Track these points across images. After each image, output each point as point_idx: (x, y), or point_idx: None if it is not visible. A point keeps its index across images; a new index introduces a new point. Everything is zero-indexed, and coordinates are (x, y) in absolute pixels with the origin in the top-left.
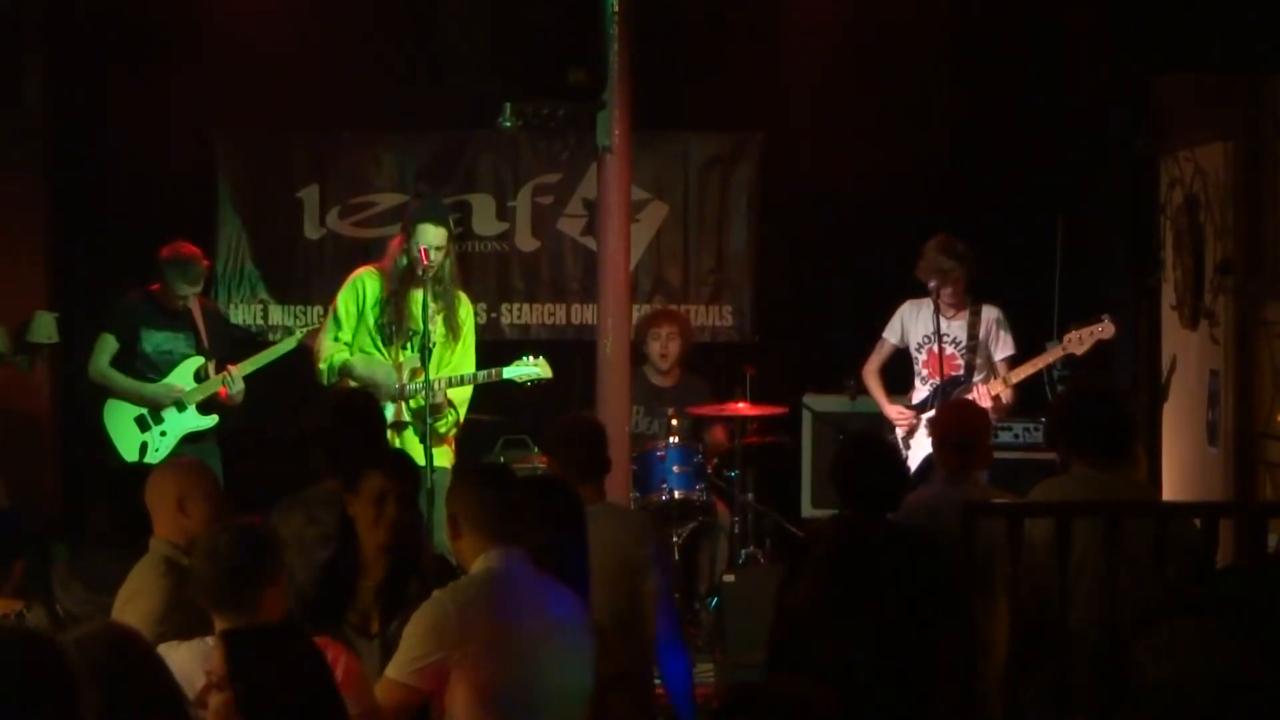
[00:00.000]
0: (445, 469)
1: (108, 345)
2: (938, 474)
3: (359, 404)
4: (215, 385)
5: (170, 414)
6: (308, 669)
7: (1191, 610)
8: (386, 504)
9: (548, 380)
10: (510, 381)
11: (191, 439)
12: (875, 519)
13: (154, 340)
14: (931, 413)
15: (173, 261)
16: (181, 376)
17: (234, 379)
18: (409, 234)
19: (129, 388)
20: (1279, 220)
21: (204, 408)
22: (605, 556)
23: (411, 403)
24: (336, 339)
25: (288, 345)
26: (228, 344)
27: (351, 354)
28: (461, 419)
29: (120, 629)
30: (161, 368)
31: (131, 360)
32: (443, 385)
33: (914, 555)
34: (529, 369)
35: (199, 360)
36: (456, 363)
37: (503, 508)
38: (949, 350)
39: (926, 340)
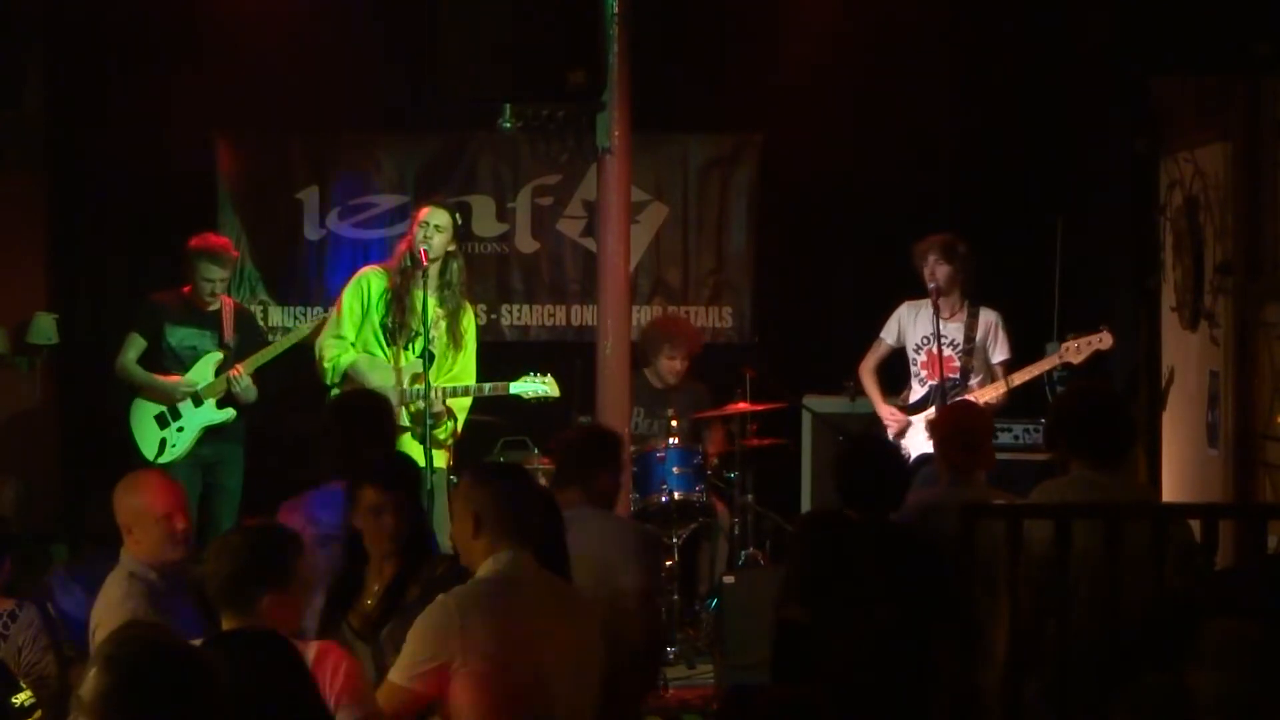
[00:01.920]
0: (443, 470)
1: (135, 343)
2: (940, 475)
3: (364, 404)
4: (223, 385)
5: (187, 409)
6: (283, 679)
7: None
8: (383, 516)
9: (554, 399)
10: (517, 397)
11: (211, 436)
12: (877, 520)
13: (178, 335)
14: (926, 413)
15: (203, 251)
16: (203, 370)
17: (238, 379)
18: (417, 220)
19: (147, 381)
20: (1279, 221)
21: (221, 402)
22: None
23: (410, 407)
24: (340, 337)
25: (289, 341)
26: (258, 343)
27: (356, 354)
28: (460, 428)
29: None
30: (186, 362)
31: (157, 356)
32: (443, 394)
33: (915, 556)
34: (537, 385)
35: (219, 355)
36: (456, 372)
37: (524, 511)
38: (947, 352)
39: (925, 342)
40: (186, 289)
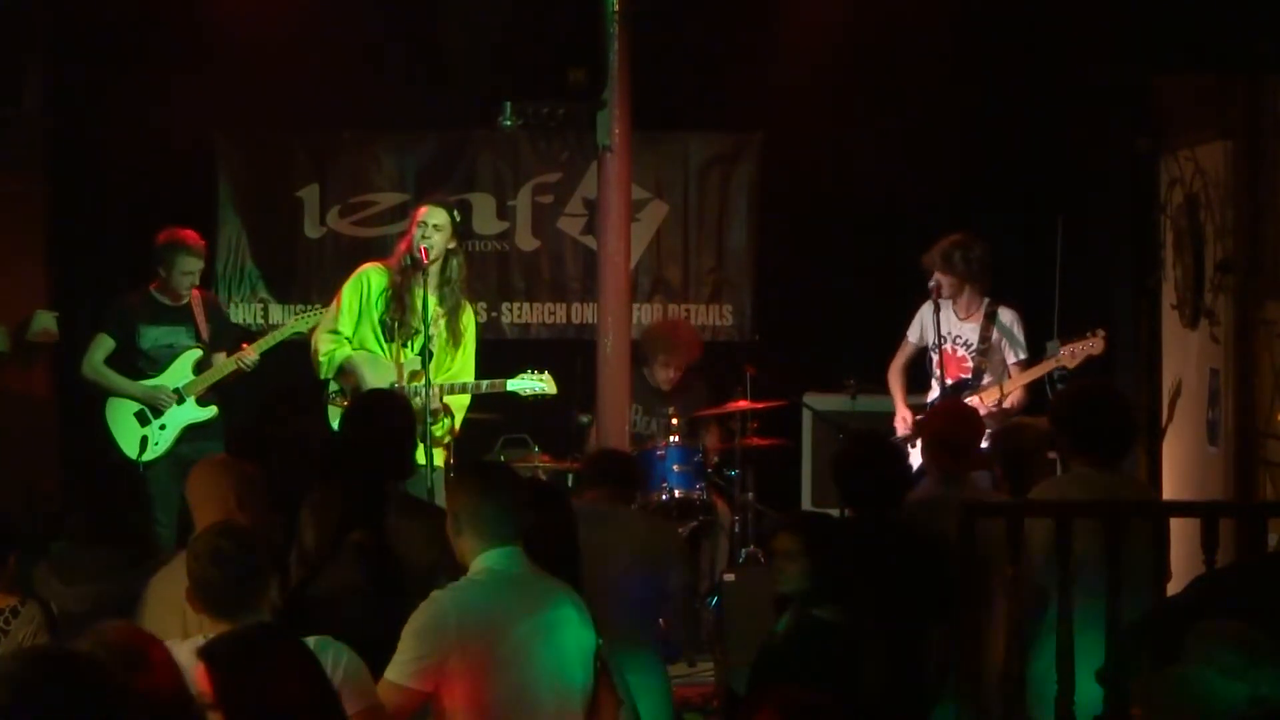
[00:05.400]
0: (442, 468)
1: (102, 344)
2: (930, 475)
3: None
4: (220, 373)
5: (169, 407)
6: (297, 670)
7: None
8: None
9: (551, 396)
10: (513, 394)
11: (193, 434)
12: (876, 518)
13: (152, 335)
14: None
15: (178, 245)
16: (181, 369)
17: (248, 361)
18: (415, 220)
19: (122, 385)
20: (1279, 220)
21: (203, 400)
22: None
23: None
24: (335, 332)
25: (300, 325)
26: (231, 335)
27: (353, 349)
28: (458, 426)
29: (126, 630)
30: (161, 362)
31: (132, 358)
32: (441, 391)
33: (914, 555)
34: (534, 383)
35: (198, 352)
36: (455, 370)
37: (503, 507)
38: (959, 352)
39: (940, 341)
40: (154, 285)
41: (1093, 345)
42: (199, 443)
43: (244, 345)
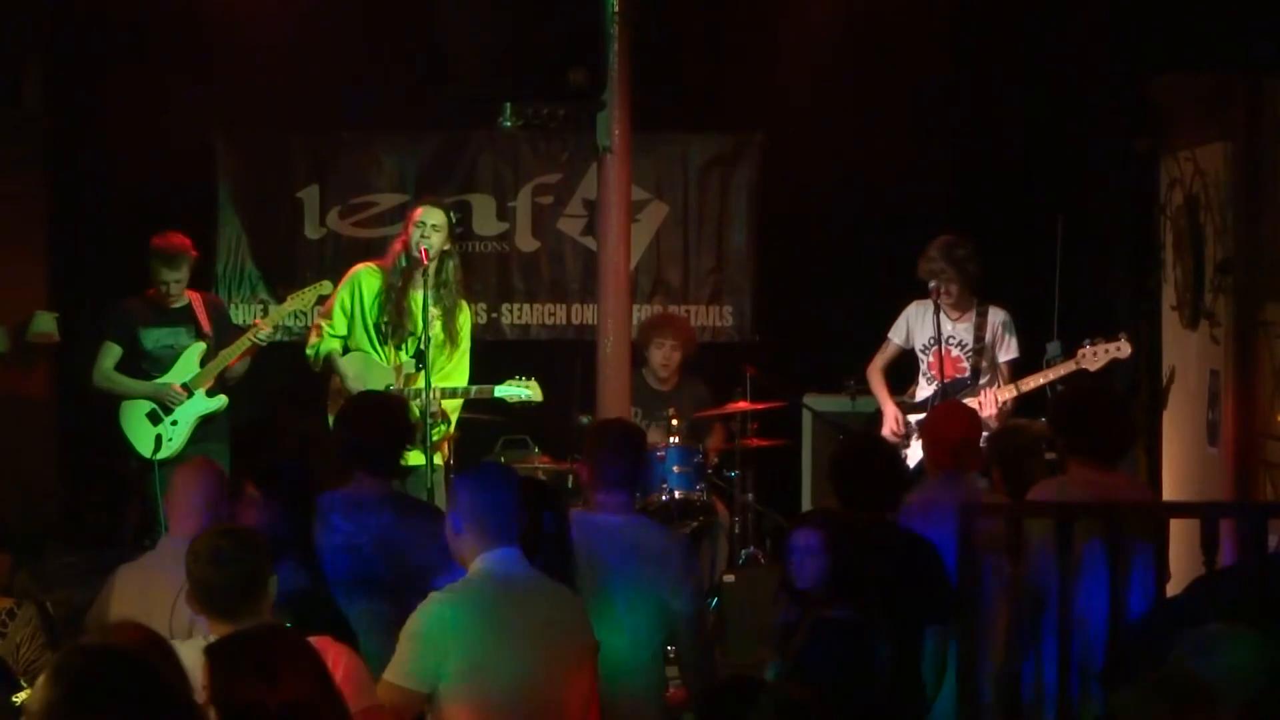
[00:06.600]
0: (441, 470)
1: (110, 352)
2: (929, 476)
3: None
4: (227, 359)
5: (179, 402)
6: (302, 670)
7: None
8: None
9: (537, 403)
10: (500, 400)
11: (203, 432)
12: (874, 519)
13: (154, 337)
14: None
15: (158, 252)
16: (186, 365)
17: (261, 335)
18: (412, 220)
19: (132, 387)
20: (1279, 220)
21: (210, 392)
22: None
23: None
24: (321, 327)
25: (302, 303)
26: (234, 337)
27: (343, 352)
28: (453, 429)
29: (133, 630)
30: (165, 361)
31: (136, 361)
32: (437, 395)
33: (911, 555)
34: (520, 390)
35: (201, 346)
36: (451, 370)
37: (502, 509)
38: (954, 352)
39: (932, 342)
40: (150, 291)
41: (1119, 348)
42: (202, 444)
43: (257, 322)
